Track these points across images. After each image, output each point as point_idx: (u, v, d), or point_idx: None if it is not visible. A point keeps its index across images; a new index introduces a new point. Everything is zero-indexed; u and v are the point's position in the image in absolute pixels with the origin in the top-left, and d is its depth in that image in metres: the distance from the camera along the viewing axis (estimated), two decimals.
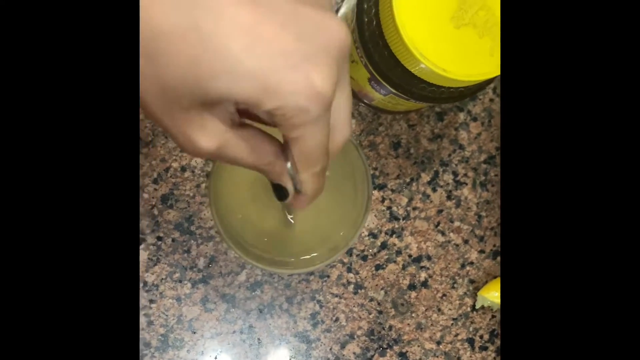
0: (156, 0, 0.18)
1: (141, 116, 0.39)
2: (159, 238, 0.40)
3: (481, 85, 0.33)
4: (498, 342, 0.44)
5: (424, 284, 0.43)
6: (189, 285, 0.40)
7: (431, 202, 0.43)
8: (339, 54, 0.19)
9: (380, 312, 0.42)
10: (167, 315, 0.40)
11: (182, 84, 0.18)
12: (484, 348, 0.43)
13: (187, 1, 0.17)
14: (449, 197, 0.43)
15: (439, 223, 0.43)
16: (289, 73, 0.18)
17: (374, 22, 0.31)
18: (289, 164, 0.22)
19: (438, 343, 0.43)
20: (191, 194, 0.40)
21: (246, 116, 0.22)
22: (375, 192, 0.42)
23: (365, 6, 0.31)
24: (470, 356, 0.43)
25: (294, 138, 0.20)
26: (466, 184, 0.43)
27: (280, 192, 0.23)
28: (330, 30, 0.19)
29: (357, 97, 0.40)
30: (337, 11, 0.39)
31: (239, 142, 0.21)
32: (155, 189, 0.40)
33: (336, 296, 0.42)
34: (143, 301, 0.40)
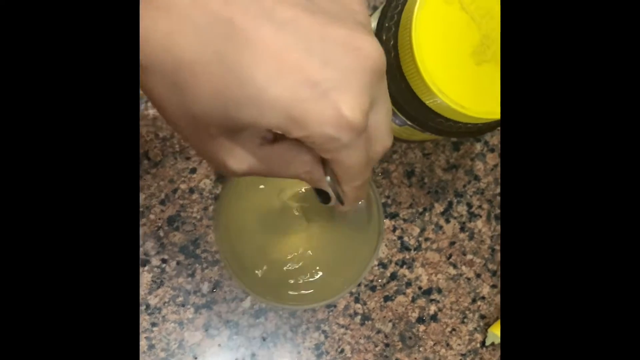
0: (177, 28, 0.17)
1: (151, 136, 0.39)
2: (164, 260, 0.39)
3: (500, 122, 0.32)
4: None
5: (433, 318, 0.42)
6: (192, 309, 0.39)
7: (444, 233, 0.42)
8: (372, 75, 0.18)
9: (387, 345, 0.41)
10: (168, 340, 0.39)
11: (207, 114, 0.18)
12: None
13: (209, 29, 0.17)
14: (462, 229, 0.42)
15: (451, 255, 0.42)
16: (315, 103, 0.17)
17: (392, 54, 0.30)
18: (328, 178, 0.21)
19: None
20: (198, 217, 0.39)
21: None
22: (387, 221, 0.41)
23: (384, 37, 0.30)
24: None
25: (329, 160, 0.20)
26: (480, 216, 0.42)
27: (323, 195, 0.23)
28: (360, 52, 0.18)
29: None
30: None
31: (272, 159, 0.20)
32: (162, 210, 0.39)
33: (342, 327, 0.40)
34: (145, 324, 0.39)
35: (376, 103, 0.19)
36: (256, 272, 0.32)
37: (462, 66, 0.28)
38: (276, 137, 0.21)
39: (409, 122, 0.32)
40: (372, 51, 0.18)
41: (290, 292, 0.33)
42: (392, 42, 0.30)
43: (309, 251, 0.32)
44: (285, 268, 0.33)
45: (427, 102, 0.30)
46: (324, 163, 0.21)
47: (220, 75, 0.17)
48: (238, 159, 0.20)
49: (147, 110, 0.39)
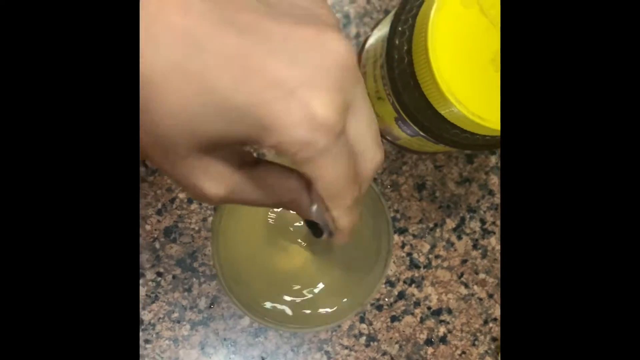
0: (142, 43, 0.16)
1: None
2: (159, 274, 0.37)
3: None
4: None
5: (443, 340, 0.39)
6: (188, 326, 0.37)
7: (455, 250, 0.40)
8: (342, 72, 0.17)
9: None
10: (162, 358, 0.37)
11: (173, 131, 0.16)
12: None
13: (169, 41, 0.16)
14: (474, 247, 0.40)
15: (462, 274, 0.40)
16: (284, 104, 0.16)
17: (406, 60, 0.28)
18: (314, 206, 0.19)
19: None
20: (196, 228, 0.37)
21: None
22: (395, 237, 0.39)
23: (397, 42, 0.29)
24: None
25: (309, 175, 0.18)
26: (494, 233, 0.40)
27: (314, 228, 0.21)
28: (327, 48, 0.17)
29: (381, 133, 0.37)
30: (365, 41, 0.36)
31: (252, 183, 0.19)
32: (159, 221, 0.37)
33: (346, 348, 0.38)
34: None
35: (353, 108, 0.18)
36: (255, 290, 0.30)
37: (481, 74, 0.26)
38: (257, 161, 0.19)
39: (421, 133, 0.30)
40: (339, 47, 0.17)
41: (291, 313, 0.31)
42: (405, 48, 0.28)
43: (313, 269, 0.30)
44: (286, 286, 0.31)
45: (442, 112, 0.27)
46: (310, 189, 0.19)
47: (182, 87, 0.16)
48: (214, 181, 0.18)
49: None
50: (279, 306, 0.31)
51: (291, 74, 0.16)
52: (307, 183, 0.20)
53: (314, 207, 0.20)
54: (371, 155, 0.19)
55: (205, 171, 0.18)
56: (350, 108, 0.18)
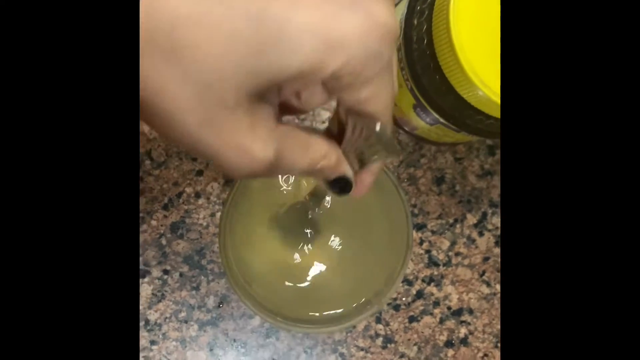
0: None
1: (154, 134, 0.35)
2: (166, 272, 0.36)
3: None
4: None
5: (464, 342, 0.37)
6: (196, 327, 0.35)
7: (477, 247, 0.37)
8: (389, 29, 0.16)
9: None
10: None
11: (221, 76, 0.14)
12: None
13: None
14: (497, 243, 0.38)
15: (484, 272, 0.37)
16: (349, 15, 0.15)
17: (425, 41, 0.26)
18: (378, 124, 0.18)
19: None
20: (204, 224, 0.36)
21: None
22: (414, 233, 0.37)
23: (416, 22, 0.27)
24: None
25: (366, 98, 0.17)
26: None
27: (341, 184, 0.19)
28: (377, 9, 0.16)
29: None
30: None
31: (289, 141, 0.17)
32: (165, 216, 0.36)
33: (362, 350, 0.36)
34: (143, 342, 0.35)
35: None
36: (266, 289, 0.28)
37: None
38: (283, 122, 0.18)
39: (442, 120, 0.28)
40: (389, 17, 0.16)
41: (302, 312, 0.29)
42: (424, 27, 0.26)
43: (328, 265, 0.29)
44: (297, 284, 0.29)
45: (465, 96, 0.26)
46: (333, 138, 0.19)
47: (228, 19, 0.14)
48: (261, 140, 0.16)
49: None
50: (291, 306, 0.29)
51: None
52: (329, 136, 0.19)
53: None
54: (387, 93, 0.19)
55: (254, 128, 0.16)
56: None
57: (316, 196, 0.22)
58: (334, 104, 0.20)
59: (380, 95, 0.17)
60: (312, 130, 0.18)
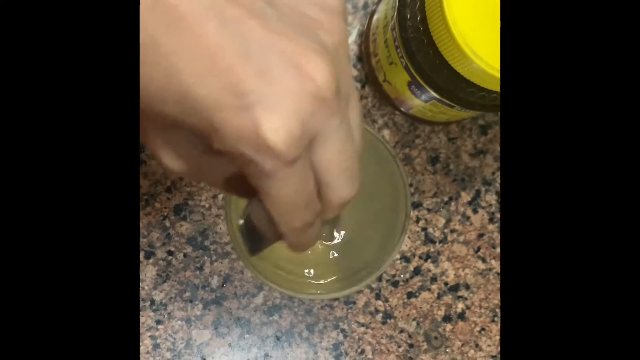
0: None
1: None
2: (170, 253, 0.36)
3: None
4: None
5: (461, 316, 0.38)
6: (200, 306, 0.36)
7: (471, 224, 0.39)
8: (312, 102, 0.16)
9: (410, 346, 0.38)
10: (174, 339, 0.36)
11: (146, 96, 0.16)
12: None
13: (152, 11, 0.15)
14: (491, 220, 0.39)
15: (479, 248, 0.39)
16: (236, 115, 0.15)
17: (419, 17, 0.27)
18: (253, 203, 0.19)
19: None
20: (207, 205, 0.37)
21: None
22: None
23: (409, 0, 0.28)
24: None
25: (254, 186, 0.17)
26: None
27: (250, 233, 0.20)
28: (303, 72, 0.16)
29: (393, 104, 0.36)
30: (373, 13, 0.36)
31: (210, 169, 0.19)
32: (168, 199, 0.36)
33: (362, 325, 0.37)
34: (149, 322, 0.36)
35: (323, 138, 0.17)
36: (269, 259, 0.29)
37: (498, 27, 0.25)
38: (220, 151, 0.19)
39: (436, 95, 0.30)
40: (318, 74, 0.16)
41: (306, 280, 0.30)
42: (418, 4, 0.27)
43: (330, 234, 0.30)
44: (299, 257, 0.30)
45: (459, 70, 0.27)
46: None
47: (151, 63, 0.15)
48: (170, 158, 0.18)
49: None
50: (293, 276, 0.30)
51: (255, 87, 0.15)
52: None
53: (240, 221, 0.19)
54: (337, 189, 0.18)
55: (164, 147, 0.18)
56: (317, 138, 0.17)
57: None
58: None
59: (269, 195, 0.17)
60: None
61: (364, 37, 0.36)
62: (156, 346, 0.36)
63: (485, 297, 0.39)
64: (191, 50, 0.15)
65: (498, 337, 0.39)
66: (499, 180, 0.39)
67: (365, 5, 0.38)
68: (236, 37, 0.15)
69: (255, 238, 0.20)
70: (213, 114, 0.15)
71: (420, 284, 0.38)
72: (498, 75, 0.25)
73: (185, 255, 0.36)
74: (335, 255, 0.30)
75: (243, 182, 0.18)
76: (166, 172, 0.19)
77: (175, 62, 0.15)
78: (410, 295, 0.38)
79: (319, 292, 0.29)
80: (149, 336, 0.36)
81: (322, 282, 0.30)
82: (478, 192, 0.39)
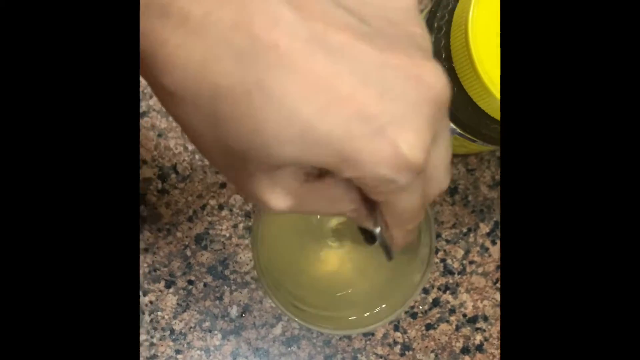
0: (215, 54, 0.15)
1: (180, 148, 0.37)
2: (190, 282, 0.37)
3: None
4: None
5: (479, 348, 0.38)
6: (220, 336, 0.36)
7: (490, 256, 0.39)
8: (435, 108, 0.16)
9: None
10: None
11: (246, 149, 0.16)
12: None
13: (251, 54, 0.15)
14: None
15: (497, 280, 0.39)
16: (371, 141, 0.15)
17: (443, 55, 0.28)
18: (377, 229, 0.19)
19: None
20: (227, 235, 0.37)
21: None
22: None
23: (434, 38, 0.28)
24: None
25: (382, 203, 0.18)
26: None
27: (368, 235, 0.21)
28: (422, 81, 0.16)
29: None
30: None
31: (316, 196, 0.18)
32: (190, 228, 0.37)
33: (381, 357, 0.37)
34: (169, 351, 0.36)
35: (437, 137, 0.17)
36: (292, 290, 0.29)
37: None
38: (321, 172, 0.19)
39: (458, 130, 0.30)
40: (436, 80, 0.16)
41: (328, 315, 0.30)
42: (442, 43, 0.28)
43: (351, 272, 0.30)
44: (323, 289, 0.30)
45: (482, 107, 0.27)
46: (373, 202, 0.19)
47: (262, 107, 0.15)
48: (279, 197, 0.17)
49: None
50: (316, 310, 0.30)
51: (382, 108, 0.15)
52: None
53: (378, 230, 0.19)
54: (440, 181, 0.19)
55: (272, 187, 0.17)
56: (434, 139, 0.17)
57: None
58: None
59: (396, 206, 0.18)
60: (354, 187, 0.19)
61: None
62: None
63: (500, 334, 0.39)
64: (305, 87, 0.15)
65: None
66: None
67: None
68: (348, 63, 0.15)
69: (369, 235, 0.20)
70: (343, 146, 0.15)
71: (438, 315, 0.38)
72: None
73: (205, 284, 0.37)
74: (355, 289, 0.30)
75: (343, 198, 0.18)
76: (269, 211, 0.18)
77: (290, 103, 0.15)
78: (428, 327, 0.38)
79: (338, 326, 0.29)
80: None
81: (342, 317, 0.30)
82: (497, 224, 0.39)
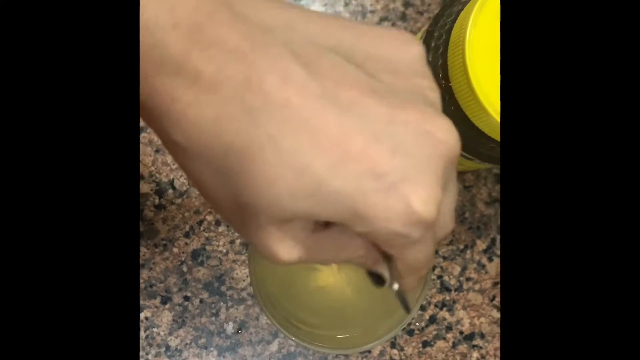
0: (227, 112, 0.15)
1: (177, 164, 0.37)
2: (186, 298, 0.36)
3: None
4: None
5: None
6: (215, 352, 0.36)
7: (487, 272, 0.39)
8: (447, 163, 0.16)
9: None
10: None
11: (257, 204, 0.16)
12: None
13: (263, 111, 0.15)
14: None
15: (494, 297, 0.39)
16: (383, 198, 0.15)
17: (440, 74, 0.28)
18: (395, 285, 0.19)
19: None
20: (224, 251, 0.37)
21: None
22: None
23: (431, 58, 0.29)
24: None
25: (394, 256, 0.18)
26: None
27: (376, 278, 0.20)
28: (433, 137, 0.16)
29: None
30: None
31: (325, 245, 0.18)
32: (186, 244, 0.37)
33: None
34: None
35: (446, 188, 0.17)
36: (288, 308, 0.29)
37: None
38: (327, 223, 0.19)
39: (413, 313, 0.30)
40: (447, 136, 0.16)
41: (324, 333, 0.30)
42: (440, 62, 0.28)
43: (348, 290, 0.30)
44: (320, 307, 0.30)
45: (480, 126, 0.27)
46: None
47: (274, 162, 0.15)
48: (288, 249, 0.17)
49: None
50: (312, 329, 0.30)
51: (394, 164, 0.15)
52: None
53: (396, 287, 0.19)
54: (447, 226, 0.19)
55: (281, 239, 0.17)
56: (443, 190, 0.17)
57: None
58: None
59: (408, 259, 0.18)
60: (356, 236, 0.19)
61: None
62: None
63: (500, 347, 0.38)
64: (317, 143, 0.15)
65: None
66: None
67: None
68: (359, 120, 0.15)
69: (378, 278, 0.20)
70: (356, 202, 0.15)
71: (435, 332, 0.38)
72: None
73: (201, 300, 0.36)
74: (352, 307, 0.30)
75: (350, 246, 0.18)
76: (278, 263, 0.18)
77: (302, 159, 0.15)
78: (425, 344, 0.38)
79: (335, 345, 0.29)
80: None
81: (339, 336, 0.29)
82: (493, 241, 0.39)
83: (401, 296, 0.20)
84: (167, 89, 0.15)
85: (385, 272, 0.19)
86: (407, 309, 0.21)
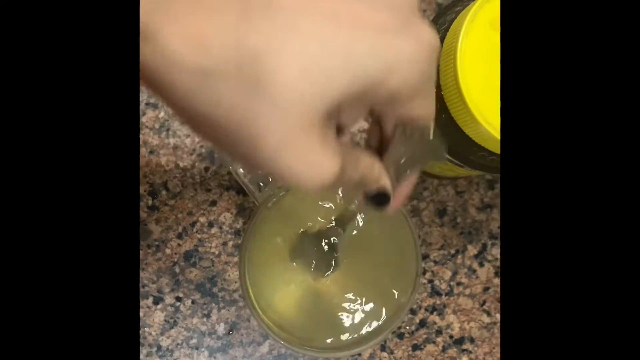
0: (246, 18, 0.16)
1: (171, 165, 0.37)
2: (178, 299, 0.37)
3: None
4: None
5: None
6: (206, 353, 0.36)
7: (477, 277, 0.39)
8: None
9: None
10: None
11: (299, 100, 0.16)
12: None
13: (278, 16, 0.16)
14: (496, 274, 0.39)
15: (484, 302, 0.39)
16: (403, 40, 0.17)
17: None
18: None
19: None
20: (217, 252, 0.37)
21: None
22: None
23: None
24: None
25: (415, 107, 0.19)
26: None
27: (381, 198, 0.21)
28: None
29: None
30: None
31: (348, 156, 0.19)
32: (179, 245, 0.37)
33: None
34: None
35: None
36: (278, 311, 0.30)
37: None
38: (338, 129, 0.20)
39: (447, 157, 0.30)
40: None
41: (314, 337, 0.30)
42: None
43: (337, 295, 0.30)
44: (309, 311, 0.30)
45: (470, 134, 0.27)
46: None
47: (302, 49, 0.16)
48: (331, 157, 0.17)
49: (168, 139, 0.37)
50: (301, 332, 0.30)
51: (393, 15, 0.17)
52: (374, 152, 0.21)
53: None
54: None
55: (324, 147, 0.17)
56: None
57: (342, 221, 0.24)
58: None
59: (427, 101, 0.19)
60: (356, 145, 0.20)
61: None
62: None
63: (489, 351, 0.39)
64: (329, 23, 0.16)
65: None
66: None
67: None
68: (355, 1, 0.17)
69: (382, 197, 0.21)
70: (385, 52, 0.16)
71: (425, 336, 0.38)
72: None
73: (193, 301, 0.37)
74: (341, 311, 0.31)
75: (362, 160, 0.20)
76: (316, 184, 0.17)
77: (324, 35, 0.16)
78: (415, 347, 0.38)
79: (325, 348, 0.29)
80: None
81: (328, 339, 0.30)
82: (484, 246, 0.39)
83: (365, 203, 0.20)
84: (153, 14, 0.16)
85: (388, 184, 0.20)
86: (382, 202, 0.21)
